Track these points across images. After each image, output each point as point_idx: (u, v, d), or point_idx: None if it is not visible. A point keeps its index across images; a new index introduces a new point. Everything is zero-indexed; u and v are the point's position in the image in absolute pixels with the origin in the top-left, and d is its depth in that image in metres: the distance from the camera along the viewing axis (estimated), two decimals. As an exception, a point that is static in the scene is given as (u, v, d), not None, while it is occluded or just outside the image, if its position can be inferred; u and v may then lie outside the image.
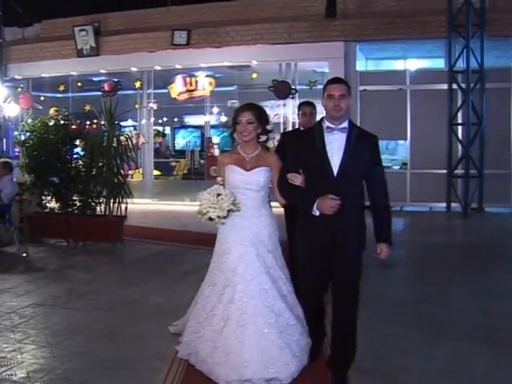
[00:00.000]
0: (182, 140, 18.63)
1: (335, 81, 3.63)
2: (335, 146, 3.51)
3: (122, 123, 15.14)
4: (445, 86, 12.45)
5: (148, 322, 5.00)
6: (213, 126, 18.07)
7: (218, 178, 4.01)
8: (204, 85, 14.40)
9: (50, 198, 9.28)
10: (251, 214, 3.93)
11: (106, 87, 14.65)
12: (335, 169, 3.48)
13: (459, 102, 12.44)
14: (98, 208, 9.02)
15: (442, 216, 12.26)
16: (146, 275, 6.82)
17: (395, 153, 14.74)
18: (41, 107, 14.94)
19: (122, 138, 9.05)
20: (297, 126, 6.01)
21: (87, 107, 14.22)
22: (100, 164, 8.81)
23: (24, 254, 7.91)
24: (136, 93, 15.11)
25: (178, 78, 14.46)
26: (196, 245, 8.34)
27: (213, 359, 3.71)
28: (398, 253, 7.77)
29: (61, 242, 8.88)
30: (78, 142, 9.44)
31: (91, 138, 9.24)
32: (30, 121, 9.61)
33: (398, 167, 13.69)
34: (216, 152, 16.17)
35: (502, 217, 11.98)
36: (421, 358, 4.19)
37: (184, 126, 19.28)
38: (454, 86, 12.36)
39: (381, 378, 3.87)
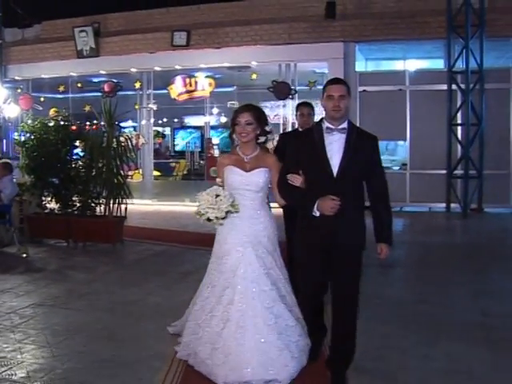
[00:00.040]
0: (181, 141, 18.63)
1: (335, 81, 3.63)
2: (335, 147, 3.52)
3: (122, 124, 15.19)
4: (444, 87, 12.46)
5: (148, 323, 5.01)
6: (212, 127, 18.09)
7: (218, 179, 4.01)
8: (204, 85, 14.42)
9: (49, 198, 9.30)
10: (250, 215, 3.94)
11: (106, 88, 14.68)
12: (335, 169, 3.49)
13: (458, 103, 12.45)
14: (97, 209, 9.03)
15: (442, 216, 12.27)
16: (146, 276, 6.83)
17: (395, 153, 14.75)
18: (41, 108, 14.96)
19: (121, 138, 9.07)
20: (296, 127, 6.00)
21: (87, 108, 14.25)
22: (100, 165, 8.83)
23: (24, 255, 7.92)
24: (136, 93, 15.13)
25: (178, 79, 14.49)
26: (196, 245, 8.35)
27: (212, 360, 3.72)
28: (397, 253, 7.78)
29: (61, 243, 8.89)
30: (77, 143, 9.46)
31: (91, 138, 9.25)
32: (29, 122, 9.62)
33: (398, 168, 13.70)
34: (216, 153, 16.19)
35: (502, 217, 11.99)
36: (420, 358, 4.19)
37: (184, 127, 19.29)
38: (454, 87, 12.37)
39: (380, 377, 3.87)
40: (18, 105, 15.07)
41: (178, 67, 14.32)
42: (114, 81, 14.85)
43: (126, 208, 8.81)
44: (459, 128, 12.54)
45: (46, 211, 9.32)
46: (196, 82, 14.42)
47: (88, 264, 7.59)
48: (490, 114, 12.19)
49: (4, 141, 14.89)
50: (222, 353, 3.69)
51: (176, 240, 9.17)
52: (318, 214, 3.48)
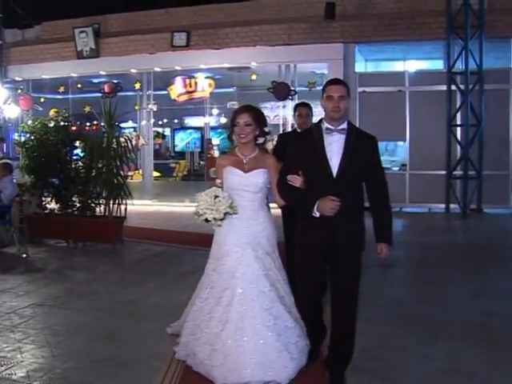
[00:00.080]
0: (181, 141, 18.65)
1: (334, 82, 3.63)
2: (334, 148, 3.52)
3: (122, 124, 15.24)
4: (444, 88, 12.48)
5: (147, 322, 5.02)
6: (212, 128, 18.11)
7: (217, 181, 4.00)
8: (203, 86, 14.44)
9: (49, 198, 9.31)
10: (249, 216, 3.93)
11: (106, 89, 14.70)
12: (334, 170, 3.49)
13: (458, 104, 12.47)
14: (97, 209, 9.04)
15: (441, 217, 12.28)
16: (146, 276, 6.84)
17: (394, 154, 14.76)
18: (41, 108, 14.97)
19: (121, 139, 9.08)
20: (295, 128, 6.00)
21: (87, 109, 14.27)
22: (100, 165, 8.84)
23: (24, 255, 7.93)
24: (136, 94, 15.15)
25: (178, 80, 14.51)
26: (195, 246, 8.35)
27: (211, 361, 3.71)
28: (397, 253, 7.79)
29: (61, 243, 8.91)
30: (77, 144, 9.47)
31: (91, 139, 9.27)
32: (29, 122, 9.64)
33: (397, 168, 13.71)
34: (216, 153, 16.20)
35: (501, 218, 12.00)
36: (419, 358, 4.19)
37: (184, 128, 19.31)
38: (453, 88, 12.38)
39: (379, 377, 3.87)
40: (18, 105, 15.12)
41: (177, 68, 14.34)
42: (114, 81, 14.87)
43: (125, 208, 8.82)
44: (459, 129, 12.56)
45: (46, 211, 9.34)
46: (196, 83, 14.45)
47: (88, 264, 7.60)
48: (490, 114, 12.21)
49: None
50: (220, 354, 3.69)
51: (176, 240, 9.19)
52: (317, 214, 3.48)
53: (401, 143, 13.87)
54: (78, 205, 9.09)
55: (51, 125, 9.39)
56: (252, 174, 3.92)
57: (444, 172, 12.55)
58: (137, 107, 15.04)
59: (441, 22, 12.35)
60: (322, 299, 3.83)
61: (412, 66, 13.93)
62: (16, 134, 13.67)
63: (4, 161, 9.44)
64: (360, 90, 13.05)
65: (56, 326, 4.92)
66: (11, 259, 7.83)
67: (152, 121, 15.47)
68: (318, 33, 13.01)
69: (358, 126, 3.84)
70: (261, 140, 3.99)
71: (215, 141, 17.58)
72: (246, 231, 3.92)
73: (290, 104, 13.25)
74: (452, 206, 12.47)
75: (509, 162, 12.49)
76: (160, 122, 18.97)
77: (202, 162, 17.84)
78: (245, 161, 3.95)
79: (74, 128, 10.23)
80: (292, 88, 13.38)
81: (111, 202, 8.74)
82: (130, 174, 13.88)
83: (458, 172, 12.50)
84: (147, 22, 14.75)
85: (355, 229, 3.58)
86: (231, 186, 3.92)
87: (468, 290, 6.18)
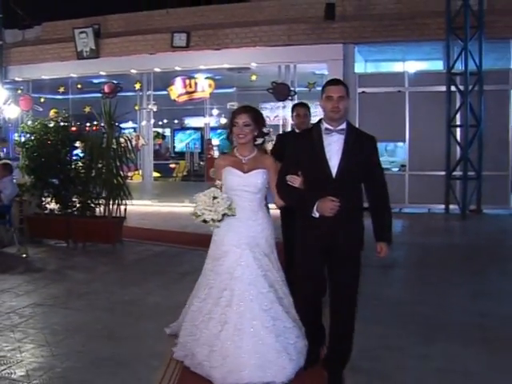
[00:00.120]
0: (181, 142, 18.67)
1: (334, 82, 3.63)
2: (334, 148, 3.52)
3: (123, 125, 15.21)
4: (443, 88, 12.49)
5: (147, 322, 5.03)
6: (212, 128, 18.12)
7: (217, 182, 3.99)
8: (203, 87, 14.46)
9: (49, 199, 9.32)
10: (248, 217, 3.93)
11: (106, 89, 14.71)
12: (334, 170, 3.49)
13: (457, 104, 12.48)
14: (97, 209, 9.05)
15: (441, 217, 12.29)
16: (145, 276, 6.86)
17: (394, 154, 14.78)
18: (41, 109, 14.98)
19: (121, 139, 9.09)
20: (293, 127, 6.01)
21: (87, 109, 14.28)
22: (99, 165, 8.85)
23: (24, 255, 7.94)
24: (136, 95, 15.17)
25: (178, 80, 14.53)
26: (195, 246, 8.36)
27: (209, 362, 3.71)
28: (396, 254, 7.79)
29: (60, 243, 8.91)
30: (77, 144, 9.48)
31: (91, 139, 9.28)
32: (29, 122, 9.65)
33: (397, 169, 13.72)
34: (216, 154, 16.22)
35: (500, 218, 12.01)
36: (417, 358, 4.20)
37: (184, 128, 19.32)
38: (453, 88, 12.39)
39: (377, 377, 3.88)
40: (18, 106, 15.13)
41: (177, 68, 14.36)
42: (114, 82, 14.88)
43: (125, 209, 8.83)
44: (458, 129, 12.57)
45: (46, 212, 9.35)
46: (196, 84, 14.47)
47: (87, 264, 7.61)
48: (489, 115, 12.22)
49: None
50: (219, 355, 3.69)
51: (175, 241, 9.20)
52: (317, 214, 3.48)
53: (400, 144, 13.89)
54: (78, 205, 9.09)
55: (51, 125, 9.40)
56: (251, 175, 3.92)
57: (443, 173, 12.56)
58: (137, 107, 15.06)
59: (440, 23, 12.37)
60: (321, 299, 3.83)
61: (412, 66, 13.95)
62: (16, 135, 13.69)
63: (4, 161, 9.44)
64: (360, 90, 13.06)
65: (55, 325, 4.93)
66: (11, 259, 7.84)
67: (152, 121, 15.49)
68: (317, 33, 13.02)
69: (357, 126, 3.85)
70: (259, 140, 3.99)
71: (215, 141, 17.59)
72: (244, 232, 3.91)
73: (290, 104, 13.24)
74: (451, 206, 12.48)
75: (508, 163, 12.51)
76: (160, 123, 18.99)
77: (201, 163, 17.87)
78: (244, 161, 3.96)
79: (73, 128, 10.24)
80: (292, 88, 13.39)
81: (111, 203, 8.75)
82: (129, 174, 13.89)
83: (457, 173, 12.52)
84: (147, 22, 14.77)
85: (354, 229, 3.59)
86: (230, 187, 3.92)
87: (467, 290, 6.19)
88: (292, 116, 5.87)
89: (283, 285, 3.98)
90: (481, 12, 11.98)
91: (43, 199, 9.29)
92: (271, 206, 4.27)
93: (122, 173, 9.07)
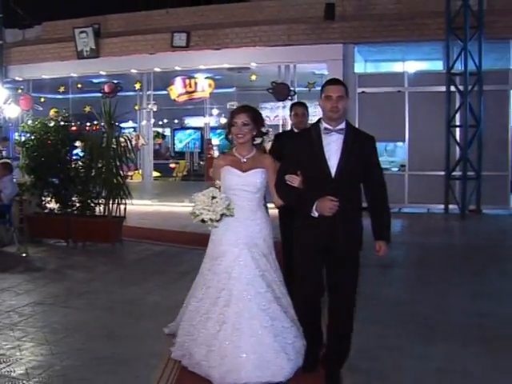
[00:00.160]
0: (181, 142, 18.68)
1: (333, 82, 3.63)
2: (333, 148, 3.52)
3: (123, 124, 15.25)
4: (443, 88, 12.51)
5: (146, 321, 5.04)
6: (212, 128, 18.13)
7: (216, 182, 3.97)
8: (203, 86, 14.48)
9: (49, 198, 9.33)
10: (246, 217, 3.92)
11: (106, 89, 14.72)
12: (333, 170, 3.49)
13: (457, 104, 12.50)
14: (97, 209, 9.06)
15: (440, 217, 12.30)
16: (145, 275, 6.87)
17: (393, 154, 14.79)
18: (41, 108, 15.01)
19: (121, 139, 9.11)
20: (291, 127, 6.00)
21: (87, 109, 14.29)
22: (99, 165, 8.86)
23: (24, 254, 7.95)
24: (136, 94, 15.19)
25: (178, 80, 14.54)
26: (194, 245, 8.37)
27: (208, 362, 3.71)
28: (395, 254, 7.81)
29: (60, 243, 8.93)
30: (77, 143, 9.49)
31: (91, 139, 9.29)
32: (30, 122, 9.66)
33: (397, 169, 13.73)
34: (215, 154, 16.23)
35: (500, 218, 12.02)
36: (416, 358, 4.20)
37: (184, 128, 19.34)
38: (452, 89, 12.40)
39: (375, 377, 3.89)
40: (18, 105, 15.15)
41: (177, 68, 14.37)
42: (114, 81, 14.90)
43: (125, 208, 8.84)
44: (458, 129, 12.59)
45: (46, 211, 9.36)
46: (196, 83, 14.48)
47: (87, 263, 7.63)
48: (489, 115, 12.23)
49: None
50: (217, 355, 3.68)
51: (175, 240, 9.21)
52: (316, 214, 3.48)
53: (400, 144, 13.89)
54: (78, 204, 9.11)
55: (51, 125, 9.41)
56: (250, 174, 3.91)
57: (443, 173, 12.58)
58: (137, 107, 15.07)
59: (440, 23, 12.38)
60: (320, 300, 3.82)
61: (411, 66, 13.96)
62: (16, 134, 13.70)
63: (4, 160, 9.46)
64: (359, 90, 13.08)
65: (55, 324, 4.94)
66: (11, 258, 7.85)
67: (152, 121, 15.50)
68: (317, 33, 13.04)
69: (357, 126, 3.85)
70: (258, 140, 3.99)
71: (215, 141, 17.61)
72: (243, 232, 3.90)
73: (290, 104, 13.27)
74: (451, 206, 12.49)
75: (508, 163, 12.52)
76: (160, 122, 19.01)
77: (201, 163, 17.87)
78: (242, 161, 3.95)
79: (74, 128, 10.26)
80: (292, 88, 13.40)
81: (111, 202, 8.77)
82: (129, 174, 13.90)
83: (457, 173, 12.53)
84: (147, 22, 14.79)
85: (353, 229, 3.59)
86: (229, 186, 3.91)
87: (466, 290, 6.20)
88: (290, 115, 5.85)
89: (281, 285, 3.98)
90: (480, 12, 11.99)
91: (43, 199, 9.30)
92: (270, 205, 4.27)
93: (121, 172, 9.08)
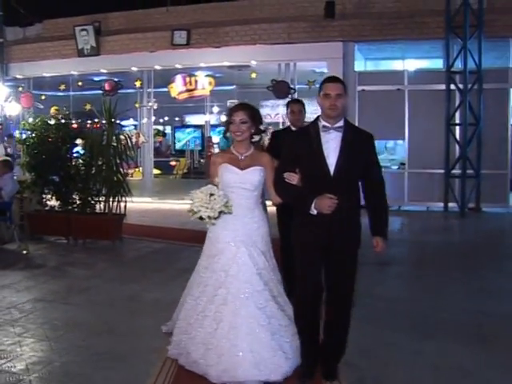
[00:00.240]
0: (182, 139, 18.70)
1: (331, 80, 3.61)
2: (331, 145, 3.51)
3: (123, 122, 15.26)
4: (443, 87, 12.52)
5: (145, 318, 5.08)
6: (213, 126, 18.14)
7: (216, 179, 3.94)
8: (204, 84, 14.48)
9: (50, 196, 9.35)
10: (244, 214, 3.91)
11: (107, 86, 14.74)
12: (332, 168, 3.49)
13: (457, 103, 12.51)
14: (97, 206, 9.09)
15: (440, 216, 12.32)
16: (145, 272, 6.91)
17: (393, 153, 14.80)
18: (42, 106, 15.04)
19: (121, 137, 9.13)
20: (288, 125, 5.98)
21: (88, 106, 14.30)
22: (100, 163, 8.89)
23: (24, 252, 7.99)
24: (136, 92, 15.19)
25: (178, 78, 14.54)
26: (194, 243, 8.37)
27: (205, 361, 3.70)
28: (394, 251, 7.81)
29: (61, 240, 8.96)
30: (78, 141, 9.52)
31: (91, 136, 9.32)
32: (30, 120, 9.69)
33: (396, 167, 13.75)
34: (216, 151, 16.24)
35: (499, 217, 12.04)
36: (412, 355, 4.22)
37: (184, 126, 19.35)
38: (452, 87, 12.42)
39: (372, 373, 3.91)
40: (19, 103, 15.16)
41: (178, 66, 14.39)
42: (115, 79, 14.91)
43: (125, 206, 8.87)
44: (457, 128, 12.60)
45: (47, 208, 9.39)
46: (196, 81, 14.48)
47: (87, 260, 7.66)
48: (488, 113, 12.25)
49: (6, 138, 14.94)
50: (215, 353, 3.67)
51: (175, 238, 9.25)
52: (315, 212, 3.48)
53: (400, 142, 13.90)
54: (78, 202, 9.14)
55: (52, 122, 9.44)
56: (248, 172, 3.90)
57: (442, 171, 12.60)
58: (137, 105, 15.08)
59: (440, 22, 12.40)
60: (320, 300, 3.74)
61: (411, 65, 13.95)
62: (17, 132, 13.73)
63: (4, 158, 9.49)
64: (359, 88, 13.08)
65: (55, 320, 4.98)
66: (12, 255, 7.89)
67: (153, 118, 15.51)
68: (317, 31, 13.05)
69: (357, 124, 3.86)
70: (256, 138, 3.98)
71: (215, 139, 17.62)
72: (240, 229, 3.90)
73: (290, 102, 13.28)
74: (450, 204, 12.51)
75: (507, 161, 12.52)
76: (161, 120, 19.01)
77: (202, 160, 17.89)
78: (240, 158, 3.94)
79: (74, 126, 10.28)
80: (291, 86, 13.42)
81: (111, 200, 8.80)
82: (130, 171, 13.92)
83: (456, 171, 12.54)
84: (148, 20, 14.81)
85: (352, 226, 3.59)
86: (227, 184, 3.89)
87: (464, 288, 6.22)
88: (286, 113, 5.82)
89: (278, 283, 3.98)
90: (480, 11, 12.00)
91: (44, 196, 9.33)
92: (268, 203, 4.28)
93: (122, 170, 9.11)
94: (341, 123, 3.56)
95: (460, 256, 8.18)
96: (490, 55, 12.57)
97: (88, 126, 12.52)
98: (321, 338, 3.79)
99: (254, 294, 3.77)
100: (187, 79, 14.48)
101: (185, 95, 14.65)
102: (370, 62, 14.97)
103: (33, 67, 15.22)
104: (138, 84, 14.85)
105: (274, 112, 14.38)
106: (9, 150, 14.10)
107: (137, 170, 15.44)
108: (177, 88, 14.57)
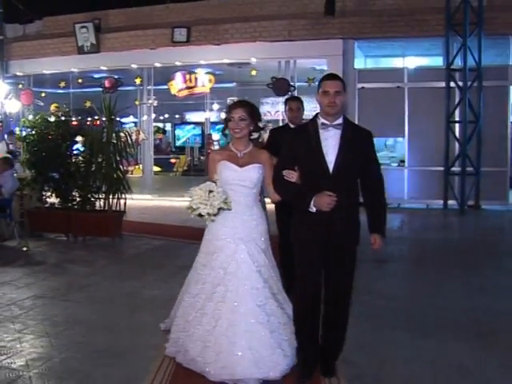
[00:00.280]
0: (182, 136, 18.71)
1: (330, 77, 3.61)
2: (330, 143, 3.51)
3: (123, 119, 15.28)
4: (442, 84, 12.51)
5: (145, 314, 5.09)
6: (213, 123, 18.15)
7: (215, 176, 3.94)
8: (204, 82, 14.47)
9: (50, 193, 9.37)
10: (243, 212, 3.90)
11: (107, 84, 14.73)
12: (331, 165, 3.49)
13: (457, 100, 12.51)
14: (97, 203, 9.11)
15: (439, 213, 12.32)
16: (144, 269, 6.92)
17: (393, 150, 14.81)
18: (42, 103, 15.03)
19: (121, 134, 9.14)
20: (286, 122, 5.98)
21: (88, 103, 14.32)
22: (99, 160, 8.90)
23: (24, 249, 8.00)
24: (136, 89, 15.19)
25: (178, 75, 14.54)
26: (194, 240, 8.36)
27: (203, 359, 3.69)
28: (393, 249, 7.84)
29: (61, 237, 8.98)
30: (78, 138, 9.53)
31: (91, 134, 9.33)
32: (30, 117, 9.70)
33: (396, 164, 13.75)
34: (216, 148, 16.25)
35: (499, 214, 12.05)
36: (410, 352, 4.23)
37: (184, 123, 19.36)
38: (452, 84, 12.41)
39: (370, 370, 3.91)
40: (19, 100, 15.17)
41: (178, 63, 14.37)
42: (115, 77, 14.90)
43: (125, 203, 8.89)
44: (457, 125, 12.59)
45: (47, 205, 9.41)
46: (196, 78, 14.47)
47: (87, 258, 7.68)
48: (488, 111, 12.25)
49: (6, 135, 14.96)
50: (213, 351, 3.67)
51: (175, 235, 9.26)
52: (314, 209, 3.48)
53: (400, 139, 13.91)
54: (78, 199, 9.14)
55: (52, 120, 9.44)
56: (247, 169, 3.89)
57: (442, 168, 12.60)
58: (137, 102, 15.08)
59: (440, 19, 12.38)
60: (320, 302, 3.74)
61: (411, 62, 13.95)
62: (17, 129, 13.74)
63: (4, 155, 9.50)
64: (359, 86, 13.08)
65: (55, 317, 5.00)
66: (12, 252, 7.90)
67: (153, 116, 15.51)
68: (317, 29, 13.04)
69: (357, 121, 3.87)
70: (255, 135, 3.97)
71: (215, 136, 17.63)
72: (239, 227, 3.89)
73: (290, 100, 13.27)
74: (450, 202, 12.52)
75: (507, 159, 12.52)
76: (161, 117, 19.01)
77: (202, 157, 17.91)
78: (239, 155, 3.93)
79: (74, 123, 10.30)
80: (292, 84, 13.41)
81: (111, 197, 8.81)
82: (130, 168, 13.94)
83: (456, 168, 12.54)
84: (148, 17, 14.79)
85: (351, 224, 3.59)
86: (226, 181, 3.88)
87: (463, 285, 6.23)
88: (285, 110, 5.81)
89: (277, 281, 3.98)
90: (480, 8, 11.99)
91: (44, 193, 9.34)
92: (267, 200, 4.28)
93: (121, 167, 9.12)
94: (340, 120, 3.56)
95: (459, 253, 8.19)
96: (490, 53, 12.56)
97: (88, 123, 12.56)
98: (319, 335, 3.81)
99: (254, 291, 3.76)
100: (187, 76, 14.47)
101: (185, 92, 14.65)
102: (370, 59, 14.97)
103: (33, 64, 15.21)
104: (138, 81, 14.85)
105: (274, 109, 14.40)
106: (11, 146, 14.11)
107: (137, 167, 15.46)
108: (177, 85, 14.56)
